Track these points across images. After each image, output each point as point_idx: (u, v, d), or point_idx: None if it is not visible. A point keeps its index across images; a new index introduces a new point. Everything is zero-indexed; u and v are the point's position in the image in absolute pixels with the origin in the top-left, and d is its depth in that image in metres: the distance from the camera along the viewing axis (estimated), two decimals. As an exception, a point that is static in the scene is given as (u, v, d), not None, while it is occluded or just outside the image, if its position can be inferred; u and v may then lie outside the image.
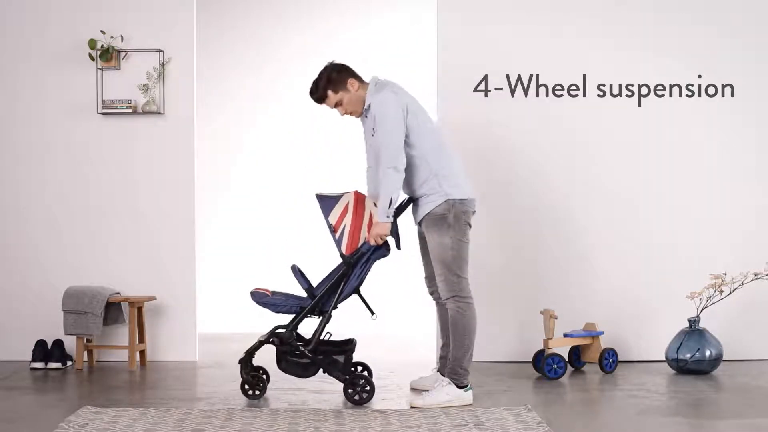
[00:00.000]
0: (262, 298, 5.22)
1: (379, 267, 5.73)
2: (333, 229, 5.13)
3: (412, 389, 5.47)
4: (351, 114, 5.28)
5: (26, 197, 6.58)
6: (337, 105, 5.23)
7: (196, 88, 6.59)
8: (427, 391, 5.17)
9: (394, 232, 5.18)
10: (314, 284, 5.23)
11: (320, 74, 5.25)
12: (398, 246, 5.22)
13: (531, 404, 4.99)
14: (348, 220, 5.12)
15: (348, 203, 5.14)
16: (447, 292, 5.14)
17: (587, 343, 6.11)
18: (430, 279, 5.38)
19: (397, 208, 5.16)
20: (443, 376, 5.20)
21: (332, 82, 5.20)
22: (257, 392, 5.18)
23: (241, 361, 5.22)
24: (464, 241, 5.17)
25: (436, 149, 5.18)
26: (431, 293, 5.45)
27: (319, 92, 5.23)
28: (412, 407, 5.01)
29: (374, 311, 5.25)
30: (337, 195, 5.18)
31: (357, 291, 5.21)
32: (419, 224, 5.28)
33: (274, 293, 5.26)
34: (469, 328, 5.15)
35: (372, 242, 5.10)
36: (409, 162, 5.12)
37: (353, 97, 5.21)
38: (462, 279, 5.15)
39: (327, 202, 5.17)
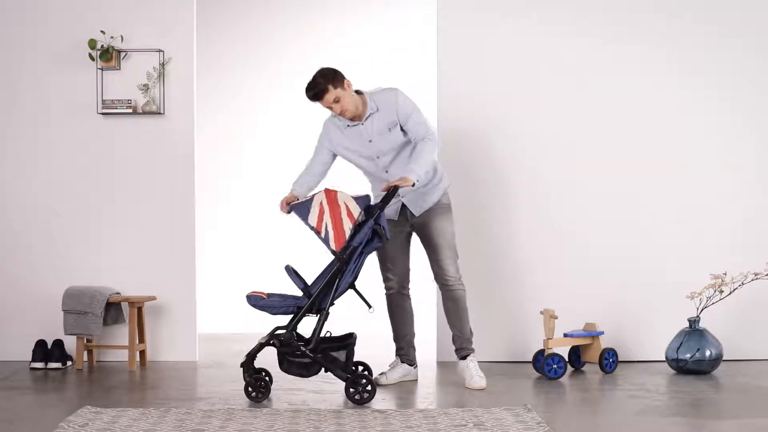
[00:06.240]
0: (258, 301, 5.20)
1: (377, 265, 5.73)
2: (316, 231, 5.17)
3: (380, 384, 5.56)
4: (344, 114, 5.37)
5: (26, 197, 6.58)
6: (334, 101, 5.32)
7: (196, 88, 6.59)
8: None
9: (383, 222, 5.21)
10: (309, 283, 5.24)
11: (317, 73, 5.35)
12: (387, 236, 5.23)
13: (531, 404, 4.99)
14: (327, 218, 5.15)
15: (321, 202, 5.18)
16: (456, 273, 5.58)
17: (587, 343, 6.10)
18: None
19: (382, 200, 5.23)
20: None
21: (332, 79, 5.32)
22: (260, 395, 5.18)
23: (243, 365, 5.22)
24: None
25: None
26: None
27: (319, 86, 5.30)
28: (480, 389, 5.44)
29: (371, 304, 5.26)
30: (309, 198, 5.26)
31: (352, 286, 5.22)
32: (423, 213, 5.53)
33: (270, 295, 5.24)
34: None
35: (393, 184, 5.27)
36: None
37: (349, 96, 5.36)
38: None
39: (301, 207, 5.25)
